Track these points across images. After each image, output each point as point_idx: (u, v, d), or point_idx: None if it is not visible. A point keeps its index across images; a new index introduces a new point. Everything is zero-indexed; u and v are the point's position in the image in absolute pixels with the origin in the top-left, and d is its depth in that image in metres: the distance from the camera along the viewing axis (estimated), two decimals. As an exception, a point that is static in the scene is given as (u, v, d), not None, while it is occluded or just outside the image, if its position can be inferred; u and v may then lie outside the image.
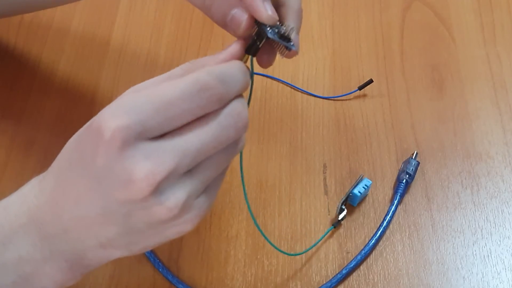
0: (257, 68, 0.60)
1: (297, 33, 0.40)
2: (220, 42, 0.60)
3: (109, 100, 0.60)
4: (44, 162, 0.53)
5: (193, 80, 0.32)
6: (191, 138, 0.32)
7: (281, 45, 0.38)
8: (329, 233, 0.49)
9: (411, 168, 0.51)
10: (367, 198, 0.51)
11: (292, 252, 0.49)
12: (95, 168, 0.31)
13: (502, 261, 0.48)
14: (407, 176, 0.51)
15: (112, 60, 0.60)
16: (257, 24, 0.38)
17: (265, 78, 0.58)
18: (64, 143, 0.54)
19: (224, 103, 0.33)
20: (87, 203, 0.32)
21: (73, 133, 0.55)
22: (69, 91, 0.58)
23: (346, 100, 0.57)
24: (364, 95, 0.57)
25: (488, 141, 0.54)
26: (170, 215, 0.32)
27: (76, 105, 0.57)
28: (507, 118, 0.55)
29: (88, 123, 0.33)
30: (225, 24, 0.40)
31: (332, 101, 0.57)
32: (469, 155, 0.53)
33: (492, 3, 0.63)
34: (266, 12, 0.38)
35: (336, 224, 0.49)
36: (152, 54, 0.60)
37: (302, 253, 0.48)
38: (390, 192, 0.52)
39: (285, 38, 0.38)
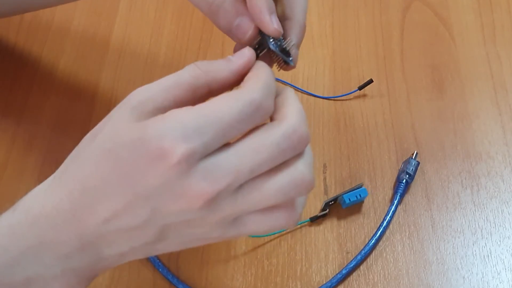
0: (257, 68, 0.60)
1: (298, 48, 0.40)
2: (220, 42, 0.60)
3: (109, 100, 0.60)
4: (44, 162, 0.53)
5: (249, 101, 0.32)
6: (245, 157, 0.32)
7: (280, 58, 0.38)
8: (329, 233, 0.49)
9: (411, 168, 0.51)
10: (367, 198, 0.51)
11: (291, 252, 0.49)
12: (146, 187, 0.31)
13: (502, 261, 0.48)
14: (407, 176, 0.51)
15: (112, 60, 0.60)
16: (260, 34, 0.39)
17: (265, 78, 0.58)
18: (64, 143, 0.54)
19: (271, 113, 0.33)
20: (126, 219, 0.32)
21: (73, 133, 0.55)
22: (69, 91, 0.58)
23: (346, 100, 0.57)
24: (364, 95, 0.57)
25: (488, 141, 0.54)
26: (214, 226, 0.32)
27: (76, 105, 0.57)
28: (507, 118, 0.55)
29: (130, 139, 0.32)
30: (229, 30, 0.40)
31: (332, 101, 0.57)
32: (469, 155, 0.53)
33: (492, 3, 0.63)
34: (272, 25, 0.38)
35: (313, 219, 0.49)
36: (152, 54, 0.60)
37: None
38: (390, 192, 0.52)
39: (285, 52, 0.39)
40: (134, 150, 0.31)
